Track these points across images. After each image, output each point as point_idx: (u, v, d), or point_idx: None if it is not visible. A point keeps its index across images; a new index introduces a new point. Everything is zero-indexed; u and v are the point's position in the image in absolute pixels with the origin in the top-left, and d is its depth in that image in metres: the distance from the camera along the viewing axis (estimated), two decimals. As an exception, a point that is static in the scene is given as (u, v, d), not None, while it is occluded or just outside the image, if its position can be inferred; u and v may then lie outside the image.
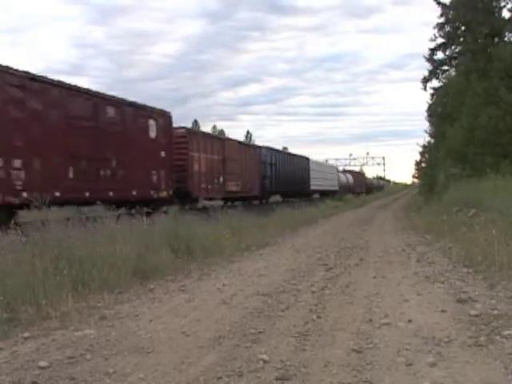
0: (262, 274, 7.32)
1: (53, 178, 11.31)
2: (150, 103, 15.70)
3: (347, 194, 45.79)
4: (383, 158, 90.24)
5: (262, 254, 9.97)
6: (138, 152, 14.54)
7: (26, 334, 4.42)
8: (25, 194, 10.29)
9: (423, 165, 33.58)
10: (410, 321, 4.47)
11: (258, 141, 67.59)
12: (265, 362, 3.56)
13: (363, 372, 3.32)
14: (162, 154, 16.04)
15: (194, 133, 19.71)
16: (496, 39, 23.59)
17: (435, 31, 25.89)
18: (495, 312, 4.57)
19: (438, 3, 25.23)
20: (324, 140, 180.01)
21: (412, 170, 77.79)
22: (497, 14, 23.86)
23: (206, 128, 72.57)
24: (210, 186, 19.50)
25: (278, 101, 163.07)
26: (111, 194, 13.29)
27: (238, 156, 22.36)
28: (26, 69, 10.83)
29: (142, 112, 15.23)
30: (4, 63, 10.40)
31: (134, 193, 14.41)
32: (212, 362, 3.62)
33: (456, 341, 3.85)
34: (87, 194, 12.45)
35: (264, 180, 25.79)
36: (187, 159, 17.91)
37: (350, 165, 79.78)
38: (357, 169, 75.91)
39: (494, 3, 23.70)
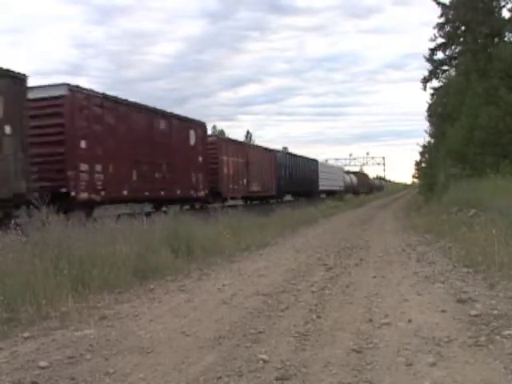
0: (261, 274, 7.32)
1: (122, 179, 13.80)
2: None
3: (353, 193, 49.41)
4: (383, 158, 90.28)
5: (262, 253, 9.97)
6: (181, 158, 17.04)
7: (26, 334, 4.42)
8: (103, 193, 12.87)
9: (423, 165, 33.63)
10: (409, 321, 4.47)
11: (258, 141, 67.46)
12: (265, 361, 3.56)
13: (363, 372, 3.32)
14: (200, 159, 18.69)
15: (222, 139, 22.84)
16: (496, 39, 23.57)
17: (435, 31, 25.87)
18: (495, 312, 4.56)
19: (438, 3, 25.19)
20: (324, 140, 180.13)
21: (412, 170, 77.86)
22: (497, 14, 23.83)
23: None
24: (236, 187, 22.05)
25: (277, 101, 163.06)
26: (163, 193, 15.78)
27: (258, 159, 25.17)
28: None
29: (184, 123, 17.87)
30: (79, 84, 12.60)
31: (179, 192, 16.82)
32: (212, 362, 3.62)
33: (456, 341, 3.85)
34: (146, 193, 14.97)
35: (279, 181, 28.31)
36: (218, 163, 20.49)
37: (349, 165, 79.72)
38: (357, 169, 76.01)
39: (494, 3, 23.67)
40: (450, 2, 25.11)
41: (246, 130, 69.77)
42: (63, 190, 11.76)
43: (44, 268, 5.55)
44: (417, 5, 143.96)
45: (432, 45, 26.46)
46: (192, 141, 18.31)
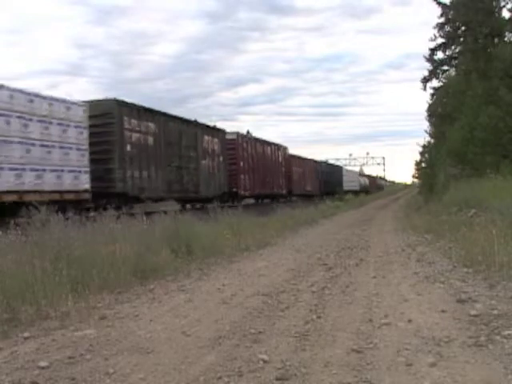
0: (262, 274, 7.32)
1: (255, 183, 25.91)
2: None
3: (365, 192, 60.46)
4: (383, 158, 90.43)
5: (262, 254, 9.97)
6: (275, 169, 30.07)
7: (26, 334, 4.41)
8: (248, 191, 24.78)
9: (423, 165, 33.57)
10: (409, 321, 4.47)
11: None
12: (265, 361, 3.56)
13: (363, 372, 3.32)
14: (283, 170, 31.69)
15: (292, 156, 34.66)
16: (496, 39, 23.59)
17: (435, 31, 25.90)
18: (495, 312, 4.56)
19: (438, 3, 25.22)
20: (324, 140, 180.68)
21: (412, 170, 78.10)
22: (497, 14, 23.85)
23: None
24: (299, 188, 35.50)
25: (277, 101, 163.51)
26: (268, 191, 28.45)
27: (309, 168, 38.65)
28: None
29: (276, 147, 30.82)
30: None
31: (275, 190, 29.84)
32: (212, 361, 3.62)
33: (456, 341, 3.85)
34: (261, 191, 27.19)
35: (321, 183, 41.59)
36: (291, 172, 33.24)
37: (350, 165, 79.83)
38: (357, 169, 76.33)
39: (494, 3, 23.68)
40: (450, 2, 25.13)
41: (245, 131, 69.76)
42: (234, 189, 23.46)
43: (43, 268, 5.55)
44: (416, 5, 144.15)
45: (432, 45, 26.52)
46: (280, 158, 31.18)
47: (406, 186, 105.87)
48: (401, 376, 3.23)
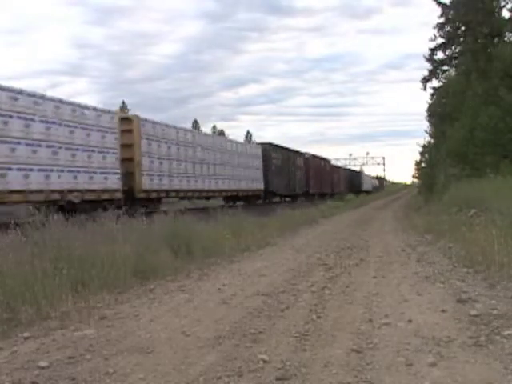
0: (262, 274, 7.32)
1: (315, 184, 39.84)
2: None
3: (375, 192, 74.48)
4: (383, 158, 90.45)
5: (262, 254, 9.97)
6: (325, 175, 44.10)
7: (26, 334, 4.41)
8: (313, 189, 39.32)
9: (423, 165, 33.60)
10: (409, 321, 4.47)
11: (259, 141, 68.05)
12: (265, 361, 3.56)
13: (363, 372, 3.32)
14: (329, 175, 45.00)
15: (333, 165, 48.80)
16: (496, 39, 23.56)
17: (435, 31, 25.83)
18: (495, 312, 4.56)
19: (438, 3, 25.16)
20: (324, 140, 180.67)
21: (412, 170, 78.28)
22: (497, 14, 23.83)
23: (206, 128, 73.40)
24: (337, 187, 48.54)
25: (277, 101, 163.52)
26: (322, 191, 42.63)
27: (341, 174, 53.03)
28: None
29: (325, 160, 45.54)
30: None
31: (324, 190, 42.91)
32: (212, 361, 3.62)
33: (456, 341, 3.85)
34: (320, 191, 41.73)
35: (346, 185, 54.58)
36: (332, 178, 46.48)
37: (350, 165, 79.80)
38: (357, 169, 76.53)
39: (494, 3, 23.65)
40: (450, 2, 25.09)
41: (246, 130, 70.04)
42: (307, 189, 37.35)
43: (43, 268, 5.55)
44: (416, 5, 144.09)
45: (432, 45, 26.41)
46: (327, 168, 45.07)
47: (405, 186, 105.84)
48: (401, 376, 3.23)
